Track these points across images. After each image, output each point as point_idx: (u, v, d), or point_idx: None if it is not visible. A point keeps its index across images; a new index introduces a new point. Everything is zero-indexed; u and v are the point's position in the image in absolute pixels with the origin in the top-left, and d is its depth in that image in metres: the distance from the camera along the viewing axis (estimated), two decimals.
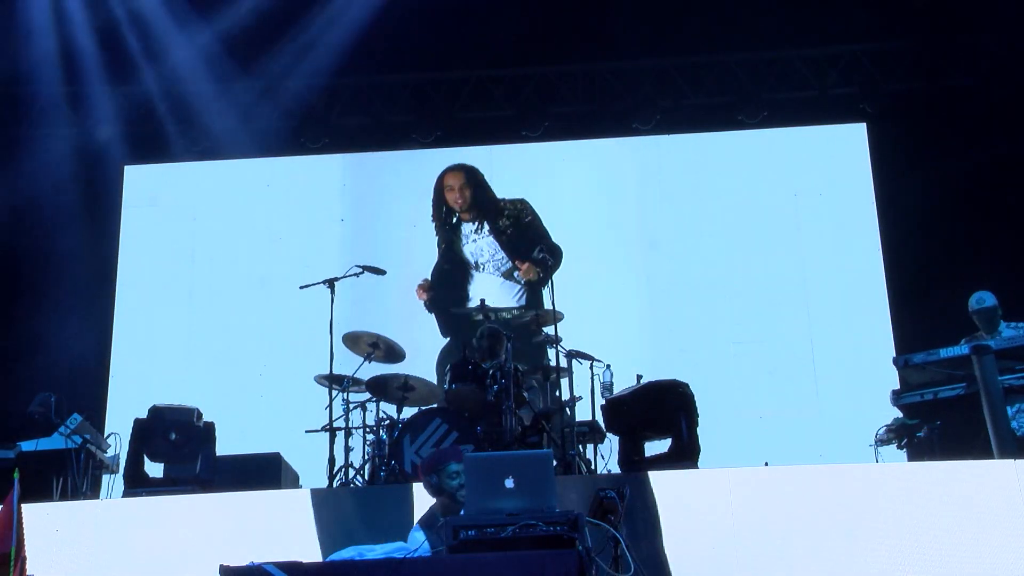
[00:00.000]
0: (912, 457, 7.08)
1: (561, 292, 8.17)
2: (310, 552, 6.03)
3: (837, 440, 9.57)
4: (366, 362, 8.21)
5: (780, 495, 6.18)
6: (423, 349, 9.85)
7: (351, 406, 8.03)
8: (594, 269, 10.25)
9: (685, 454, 6.93)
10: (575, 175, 10.55)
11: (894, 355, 8.11)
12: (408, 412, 7.89)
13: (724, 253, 10.22)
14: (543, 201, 10.47)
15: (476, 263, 10.41)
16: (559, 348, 7.90)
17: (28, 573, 5.14)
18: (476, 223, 10.40)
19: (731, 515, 6.15)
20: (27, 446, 7.08)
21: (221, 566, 4.78)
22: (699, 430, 7.08)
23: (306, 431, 8.89)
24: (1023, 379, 6.66)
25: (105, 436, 7.63)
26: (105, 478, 7.72)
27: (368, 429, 7.93)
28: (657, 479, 6.30)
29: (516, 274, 10.24)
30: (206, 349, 10.21)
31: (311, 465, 8.63)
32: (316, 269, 9.63)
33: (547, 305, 8.80)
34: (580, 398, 7.79)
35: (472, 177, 10.42)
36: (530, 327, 8.40)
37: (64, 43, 9.94)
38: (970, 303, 7.54)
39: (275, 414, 9.87)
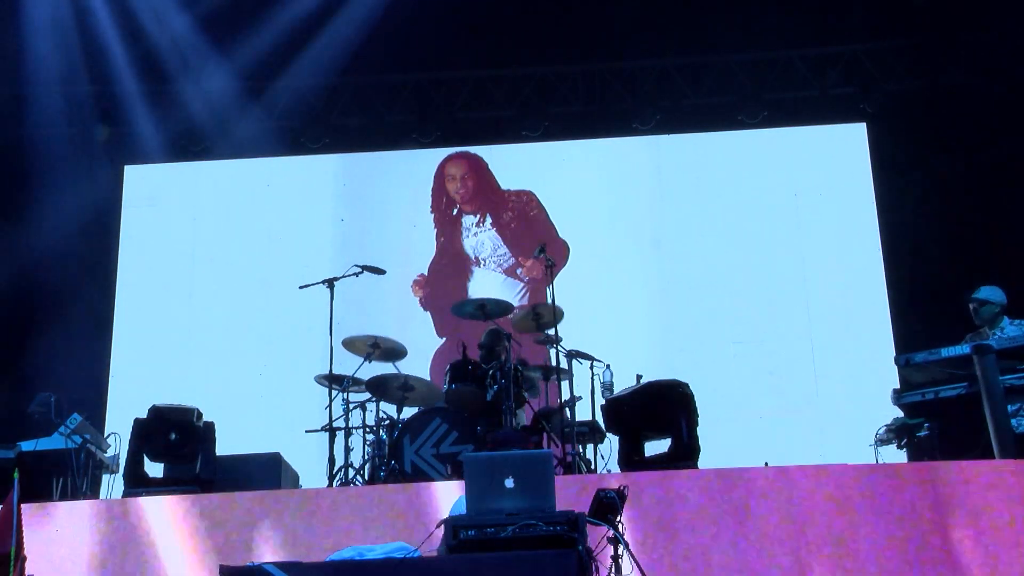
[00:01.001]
0: (912, 457, 7.07)
1: (561, 291, 8.16)
2: (310, 552, 6.03)
3: (837, 440, 9.58)
4: (366, 362, 8.20)
5: (780, 495, 6.18)
6: (423, 349, 9.86)
7: (351, 406, 8.02)
8: (594, 269, 10.26)
9: (685, 454, 6.92)
10: (575, 175, 10.55)
11: (894, 355, 8.11)
12: (408, 412, 7.89)
13: (724, 253, 10.23)
14: (542, 201, 10.47)
15: (477, 258, 10.38)
16: (559, 348, 7.89)
17: (28, 573, 5.13)
18: (478, 215, 10.32)
19: (731, 515, 6.15)
20: (27, 446, 7.07)
21: (221, 566, 4.78)
22: (699, 430, 7.08)
23: (306, 431, 8.89)
24: (1023, 379, 6.65)
25: (105, 436, 7.61)
26: (105, 478, 7.71)
27: (368, 429, 7.93)
28: (657, 479, 6.30)
29: (519, 271, 10.22)
30: (206, 349, 10.21)
31: (311, 465, 8.63)
32: (316, 269, 9.64)
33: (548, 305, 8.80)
34: (580, 398, 7.78)
35: (475, 166, 10.33)
36: (530, 327, 8.39)
37: (64, 42, 9.93)
38: (973, 297, 7.53)
39: (275, 414, 9.88)
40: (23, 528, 5.13)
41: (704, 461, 7.03)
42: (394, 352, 8.36)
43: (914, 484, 6.12)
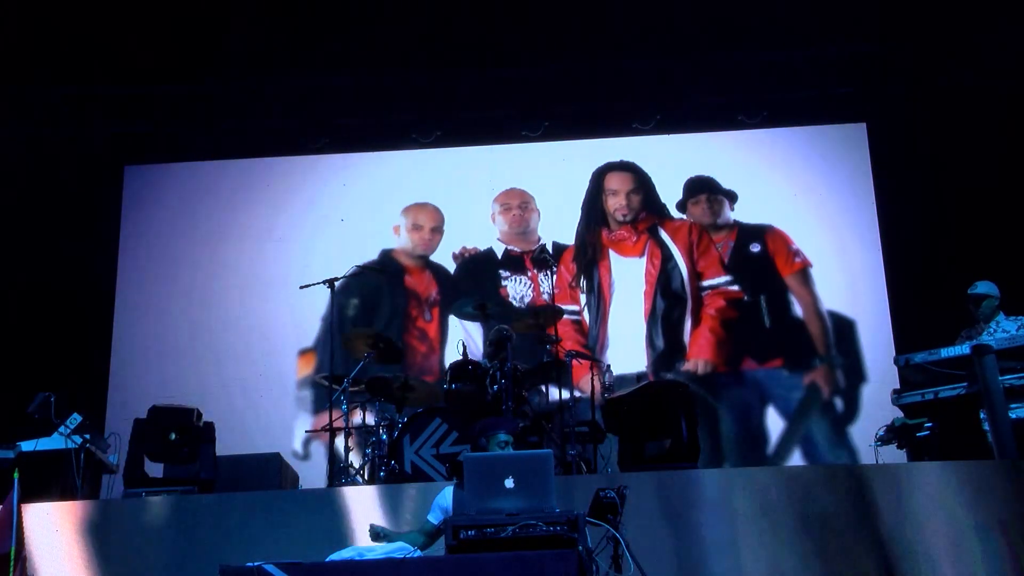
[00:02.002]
0: (912, 457, 7.07)
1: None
2: (310, 552, 6.03)
3: (837, 440, 9.60)
4: (366, 362, 8.21)
5: (780, 494, 6.18)
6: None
7: (351, 406, 8.02)
8: None
9: (685, 454, 6.93)
10: (575, 175, 10.55)
11: (894, 355, 8.10)
12: (408, 412, 7.89)
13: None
14: (543, 201, 10.48)
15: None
16: (559, 348, 7.89)
17: (28, 573, 5.14)
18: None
19: (731, 515, 6.15)
20: (27, 446, 7.07)
21: (221, 566, 4.78)
22: (699, 430, 7.09)
23: (306, 431, 8.91)
24: (1023, 379, 6.65)
25: (105, 436, 7.61)
26: (105, 478, 7.71)
27: (368, 429, 7.93)
28: (657, 479, 6.30)
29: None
30: (206, 349, 10.20)
31: (311, 465, 8.65)
32: (316, 269, 9.65)
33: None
34: (580, 398, 7.79)
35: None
36: (530, 326, 8.40)
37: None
38: (971, 290, 7.55)
39: (275, 414, 9.89)
40: (23, 528, 5.13)
41: (704, 461, 7.04)
42: (394, 351, 8.37)
43: (914, 484, 6.13)
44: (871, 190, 10.21)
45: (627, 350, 9.89)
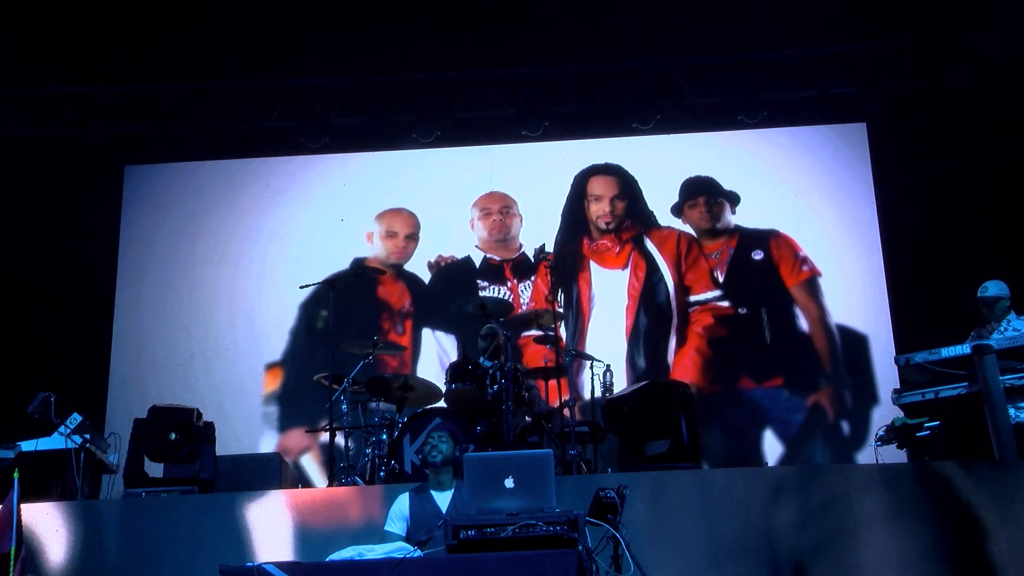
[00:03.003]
0: (912, 457, 7.07)
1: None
2: (310, 552, 6.03)
3: (838, 440, 9.59)
4: (366, 362, 8.21)
5: (779, 494, 6.18)
6: (422, 348, 9.88)
7: (351, 406, 8.02)
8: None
9: (685, 454, 6.93)
10: (575, 175, 10.54)
11: (894, 355, 8.10)
12: (408, 412, 7.89)
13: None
14: (542, 201, 10.46)
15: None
16: (559, 348, 7.89)
17: (28, 573, 5.14)
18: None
19: (731, 515, 6.15)
20: (27, 446, 7.07)
21: (221, 566, 4.78)
22: (699, 430, 7.08)
23: (306, 431, 8.90)
24: (1023, 379, 6.65)
25: (105, 436, 7.61)
26: (105, 478, 7.71)
27: (368, 429, 7.93)
28: (657, 479, 6.30)
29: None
30: (206, 349, 10.20)
31: (311, 465, 8.65)
32: (316, 269, 9.65)
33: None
34: (580, 398, 7.78)
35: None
36: (531, 326, 8.40)
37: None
38: (978, 291, 7.53)
39: (275, 414, 9.89)
40: (23, 528, 5.13)
41: (704, 461, 7.04)
42: (394, 346, 8.37)
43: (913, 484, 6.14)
44: (871, 190, 10.21)
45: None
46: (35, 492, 6.48)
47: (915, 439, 6.97)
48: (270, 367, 10.09)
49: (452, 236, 10.45)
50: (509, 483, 4.83)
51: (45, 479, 7.01)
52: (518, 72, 10.58)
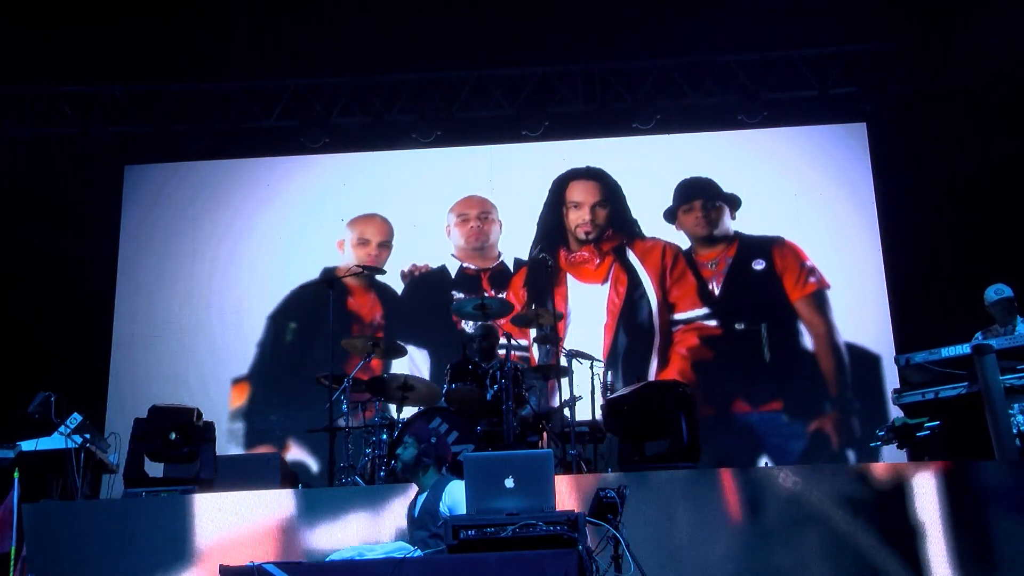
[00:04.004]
0: (912, 457, 7.07)
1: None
2: (310, 552, 6.03)
3: (838, 440, 9.57)
4: (366, 362, 8.21)
5: (779, 494, 6.18)
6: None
7: (351, 406, 8.02)
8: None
9: (685, 454, 6.92)
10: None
11: (894, 355, 8.09)
12: (408, 412, 7.89)
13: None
14: (542, 201, 10.46)
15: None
16: (559, 348, 7.89)
17: (28, 573, 5.14)
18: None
19: (731, 515, 6.15)
20: (27, 446, 7.07)
21: (221, 566, 4.78)
22: (699, 430, 7.08)
23: (306, 431, 8.89)
24: (1023, 379, 6.65)
25: (105, 436, 7.61)
26: (105, 478, 7.71)
27: (368, 429, 7.93)
28: (657, 479, 6.30)
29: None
30: (206, 349, 10.20)
31: (311, 465, 8.64)
32: (316, 269, 9.65)
33: (548, 305, 8.80)
34: (580, 398, 7.78)
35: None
36: (529, 326, 8.39)
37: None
38: (987, 295, 7.51)
39: (275, 414, 9.89)
40: (23, 528, 5.13)
41: (704, 461, 7.03)
42: (394, 352, 8.37)
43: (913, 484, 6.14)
44: (871, 190, 10.21)
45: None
46: (35, 492, 6.48)
47: (915, 439, 6.97)
48: (237, 382, 9.90)
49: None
50: (509, 483, 4.83)
51: (45, 479, 7.01)
52: (518, 72, 10.58)
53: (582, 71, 10.58)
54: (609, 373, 8.11)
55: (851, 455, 8.95)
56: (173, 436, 7.11)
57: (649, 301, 9.06)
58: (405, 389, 7.88)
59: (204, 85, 10.51)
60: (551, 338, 8.03)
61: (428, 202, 10.50)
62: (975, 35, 9.98)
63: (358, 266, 8.98)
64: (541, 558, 4.53)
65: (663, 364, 9.00)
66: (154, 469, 7.33)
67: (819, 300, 9.04)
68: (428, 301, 9.69)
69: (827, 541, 6.02)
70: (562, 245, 9.44)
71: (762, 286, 9.19)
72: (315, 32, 10.02)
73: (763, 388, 8.92)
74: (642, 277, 9.08)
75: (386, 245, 10.08)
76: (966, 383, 6.68)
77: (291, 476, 8.02)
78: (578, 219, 9.48)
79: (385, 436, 7.65)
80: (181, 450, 7.13)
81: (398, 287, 10.06)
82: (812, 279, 9.05)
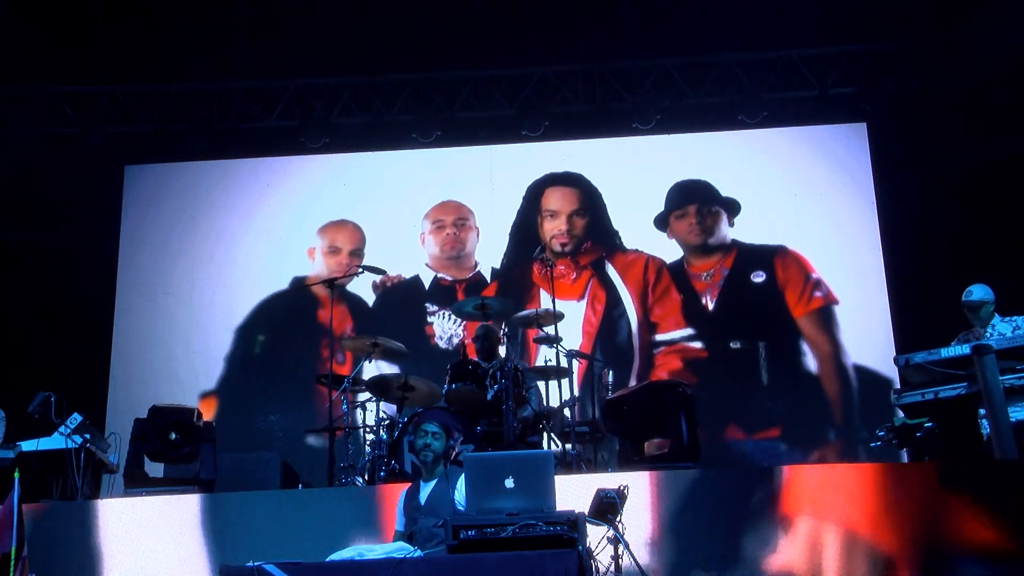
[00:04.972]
0: (912, 457, 7.07)
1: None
2: (310, 552, 6.03)
3: (838, 439, 9.57)
4: (366, 362, 8.21)
5: (779, 494, 6.18)
6: (422, 348, 9.87)
7: (351, 406, 8.02)
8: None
9: (685, 454, 6.92)
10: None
11: (894, 355, 8.08)
12: (408, 412, 7.89)
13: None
14: (541, 201, 10.47)
15: None
16: (559, 348, 7.89)
17: (28, 573, 5.13)
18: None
19: (731, 514, 6.15)
20: (27, 446, 7.08)
21: (221, 566, 4.78)
22: (699, 430, 7.08)
23: (306, 431, 8.90)
24: (1023, 379, 6.64)
25: (105, 436, 7.61)
26: (105, 478, 7.71)
27: (368, 429, 7.93)
28: (657, 479, 6.30)
29: None
30: (206, 349, 10.20)
31: (311, 465, 8.62)
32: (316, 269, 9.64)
33: (548, 305, 8.78)
34: (578, 398, 7.77)
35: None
36: (531, 326, 8.38)
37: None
38: (963, 295, 7.54)
39: (275, 414, 9.89)
40: (23, 528, 5.13)
41: (703, 461, 7.03)
42: (393, 353, 8.36)
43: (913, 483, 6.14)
44: (871, 190, 10.22)
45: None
46: (35, 492, 6.47)
47: (915, 439, 6.97)
48: (204, 396, 9.71)
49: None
50: (509, 483, 4.83)
51: (45, 479, 7.01)
52: (518, 72, 10.58)
53: (582, 71, 10.59)
54: (611, 373, 8.09)
55: None
56: (173, 436, 7.12)
57: (628, 320, 8.48)
58: (405, 389, 7.88)
59: (204, 85, 10.51)
60: (551, 338, 8.03)
61: (429, 202, 10.49)
62: (975, 35, 9.98)
63: (358, 266, 8.97)
64: (541, 558, 4.54)
65: None
66: (154, 469, 7.34)
67: (825, 317, 8.46)
68: (401, 313, 9.32)
69: (821, 540, 6.02)
70: (536, 258, 8.55)
71: (761, 300, 8.66)
72: (315, 32, 10.03)
73: (759, 413, 8.38)
74: (622, 294, 8.47)
75: (357, 253, 9.80)
76: (966, 383, 6.68)
77: (291, 476, 8.02)
78: (553, 229, 8.93)
79: (385, 436, 7.64)
80: (181, 450, 7.13)
81: (369, 298, 9.73)
82: (818, 293, 8.49)
